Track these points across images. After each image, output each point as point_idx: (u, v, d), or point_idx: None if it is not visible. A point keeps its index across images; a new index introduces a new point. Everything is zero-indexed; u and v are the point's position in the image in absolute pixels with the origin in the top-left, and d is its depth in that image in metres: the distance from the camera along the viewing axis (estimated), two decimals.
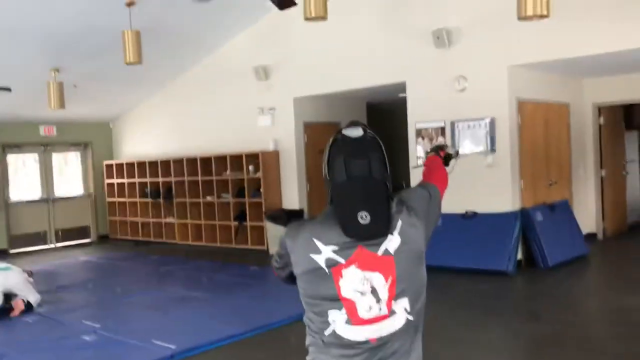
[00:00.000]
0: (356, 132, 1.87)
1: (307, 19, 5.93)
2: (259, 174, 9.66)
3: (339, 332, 1.80)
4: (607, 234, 9.21)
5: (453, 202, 7.79)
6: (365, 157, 1.81)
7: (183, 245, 10.94)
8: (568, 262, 7.47)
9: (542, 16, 4.85)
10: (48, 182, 11.92)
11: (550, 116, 8.33)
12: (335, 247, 1.80)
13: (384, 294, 1.79)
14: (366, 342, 1.79)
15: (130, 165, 11.94)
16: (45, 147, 11.92)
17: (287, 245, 1.90)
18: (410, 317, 1.83)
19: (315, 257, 1.81)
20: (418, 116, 8.19)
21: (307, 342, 1.89)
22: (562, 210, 8.00)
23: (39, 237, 11.75)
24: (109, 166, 12.38)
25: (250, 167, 9.80)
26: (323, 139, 9.90)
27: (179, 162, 10.96)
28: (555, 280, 6.79)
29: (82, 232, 12.38)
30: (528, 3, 4.75)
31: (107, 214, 12.48)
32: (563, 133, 8.66)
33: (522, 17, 4.90)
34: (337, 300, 1.80)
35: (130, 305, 6.57)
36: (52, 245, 11.85)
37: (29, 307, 6.45)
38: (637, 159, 10.30)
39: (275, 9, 7.92)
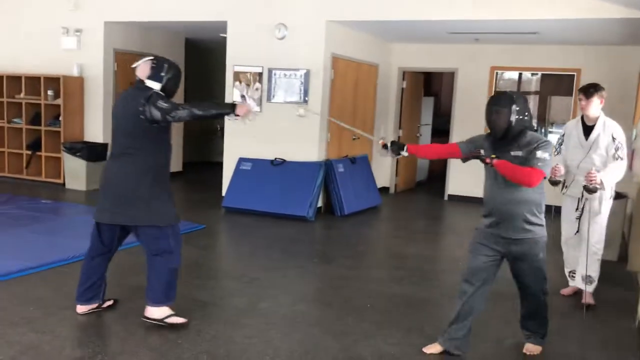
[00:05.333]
0: None
1: None
2: (59, 101, 8.84)
3: None
4: (398, 189, 10.15)
5: (264, 149, 7.94)
6: None
7: None
8: (362, 211, 8.11)
9: None
10: None
11: (360, 75, 8.79)
12: None
13: None
14: None
15: None
16: None
17: None
18: None
19: None
20: (237, 59, 8.11)
21: None
22: (362, 164, 8.60)
23: None
24: None
25: (50, 92, 8.93)
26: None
27: None
28: (349, 227, 7.33)
29: None
30: None
31: None
32: (370, 92, 9.22)
33: None
34: None
35: None
36: None
37: None
38: (430, 123, 11.38)
39: None
